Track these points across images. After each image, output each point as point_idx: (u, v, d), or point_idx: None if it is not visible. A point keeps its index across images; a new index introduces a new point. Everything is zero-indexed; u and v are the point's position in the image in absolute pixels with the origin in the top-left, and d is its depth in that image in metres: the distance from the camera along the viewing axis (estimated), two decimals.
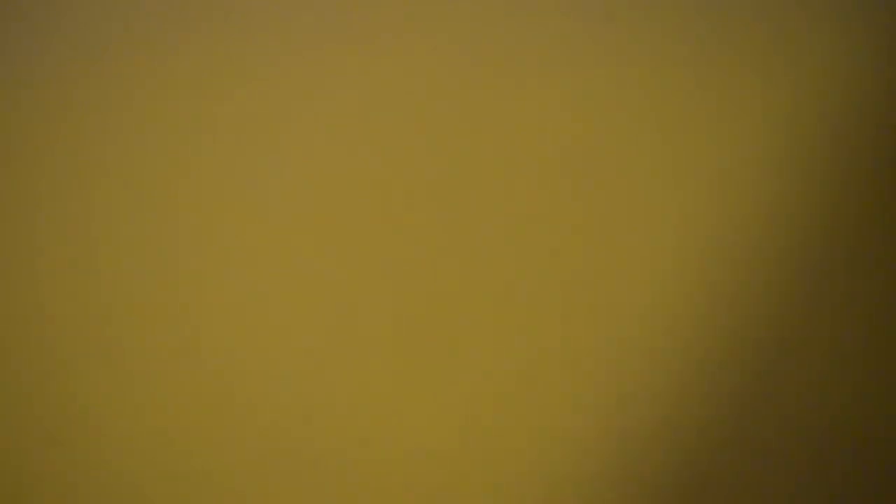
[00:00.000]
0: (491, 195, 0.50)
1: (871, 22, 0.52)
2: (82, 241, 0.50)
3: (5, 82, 0.50)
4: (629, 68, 0.51)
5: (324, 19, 0.51)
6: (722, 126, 0.51)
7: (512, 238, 0.50)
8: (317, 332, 0.49)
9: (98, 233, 0.50)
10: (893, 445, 0.49)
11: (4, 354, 0.49)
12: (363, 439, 0.49)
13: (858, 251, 0.51)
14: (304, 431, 0.49)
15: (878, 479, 0.49)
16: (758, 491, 0.49)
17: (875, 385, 0.50)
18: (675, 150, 0.51)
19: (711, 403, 0.49)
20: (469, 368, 0.49)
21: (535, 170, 0.50)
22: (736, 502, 0.49)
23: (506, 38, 0.51)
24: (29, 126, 0.50)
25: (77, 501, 0.48)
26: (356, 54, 0.51)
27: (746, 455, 0.49)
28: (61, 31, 0.51)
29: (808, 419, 0.50)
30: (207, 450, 0.49)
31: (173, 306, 0.49)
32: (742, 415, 0.50)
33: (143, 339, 0.49)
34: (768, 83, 0.51)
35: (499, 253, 0.50)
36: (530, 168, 0.50)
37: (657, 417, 0.49)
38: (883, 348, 0.50)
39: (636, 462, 0.49)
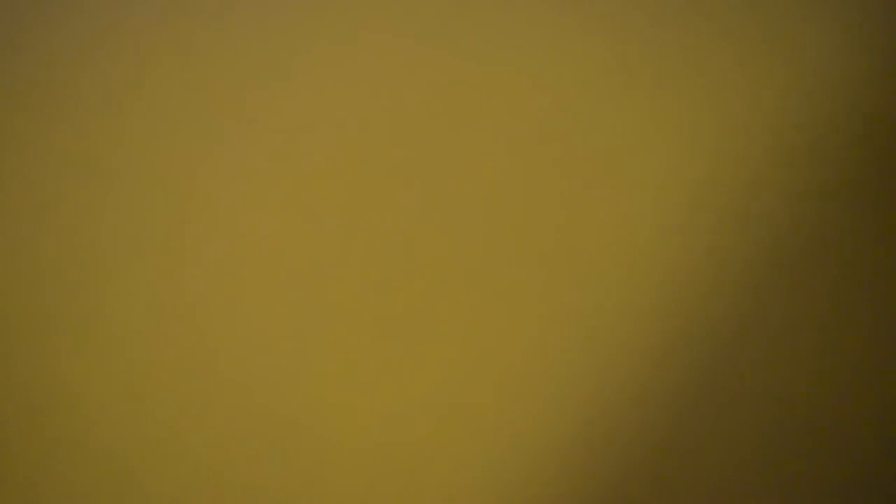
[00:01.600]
0: (479, 191, 0.50)
1: (866, 18, 0.52)
2: (83, 240, 0.50)
3: (10, 82, 0.50)
4: (629, 71, 0.51)
5: (324, 20, 0.51)
6: (711, 121, 0.51)
7: (496, 235, 0.50)
8: (317, 332, 0.49)
9: (99, 233, 0.50)
10: (890, 444, 0.50)
11: (8, 354, 0.49)
12: (362, 439, 0.49)
13: (850, 244, 0.51)
14: (304, 430, 0.49)
15: (876, 479, 0.49)
16: (748, 490, 0.49)
17: (871, 380, 0.50)
18: (665, 152, 0.51)
19: (697, 399, 0.49)
20: (457, 364, 0.49)
21: (523, 168, 0.50)
22: (721, 501, 0.49)
23: (499, 36, 0.51)
24: (31, 126, 0.50)
25: (80, 500, 0.48)
26: (355, 54, 0.51)
27: (735, 454, 0.49)
28: (64, 32, 0.51)
29: (799, 416, 0.50)
30: (205, 447, 0.49)
31: (174, 306, 0.49)
32: (729, 413, 0.50)
33: (144, 338, 0.49)
34: (758, 75, 0.51)
35: (482, 250, 0.50)
36: (518, 167, 0.50)
37: (642, 414, 0.49)
38: (879, 344, 0.50)
39: (618, 460, 0.49)
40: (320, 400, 0.49)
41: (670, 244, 0.50)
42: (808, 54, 0.51)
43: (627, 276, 0.50)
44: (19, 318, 0.49)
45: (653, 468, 0.49)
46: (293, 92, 0.51)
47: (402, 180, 0.50)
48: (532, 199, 0.50)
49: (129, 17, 0.51)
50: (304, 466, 0.49)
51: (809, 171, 0.51)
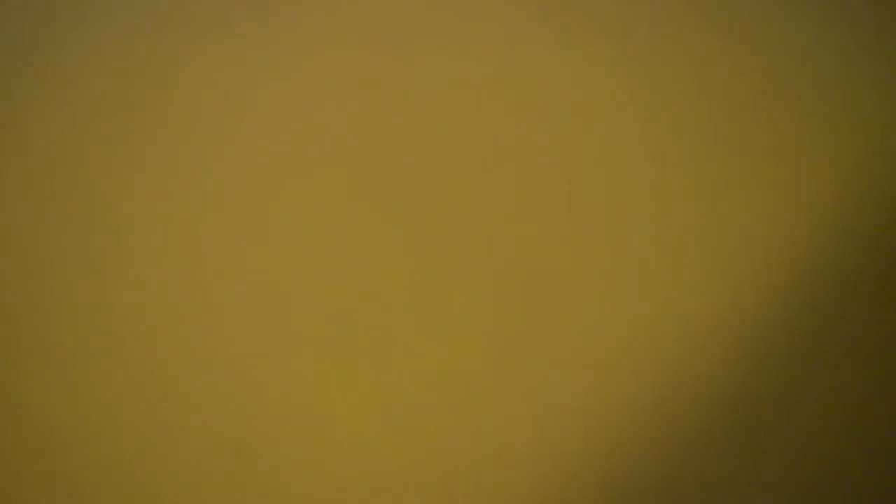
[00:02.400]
0: (479, 191, 0.50)
1: (866, 18, 0.52)
2: (85, 241, 0.50)
3: (15, 82, 0.51)
4: (628, 72, 0.51)
5: (323, 21, 0.51)
6: (711, 121, 0.51)
7: (495, 235, 0.50)
8: (316, 331, 0.49)
9: (101, 233, 0.50)
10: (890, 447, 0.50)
11: (15, 352, 0.49)
12: (364, 438, 0.49)
13: (853, 243, 0.51)
14: (305, 428, 0.49)
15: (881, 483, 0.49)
16: (756, 494, 0.49)
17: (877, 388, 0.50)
18: (664, 152, 0.51)
19: (708, 404, 0.49)
20: (457, 362, 0.50)
21: (523, 169, 0.50)
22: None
23: (498, 37, 0.51)
24: (32, 126, 0.50)
25: (86, 498, 0.48)
26: (353, 55, 0.51)
27: (742, 459, 0.49)
28: (67, 33, 0.51)
29: (809, 423, 0.50)
30: (208, 443, 0.49)
31: (175, 305, 0.49)
32: (738, 418, 0.50)
33: (147, 336, 0.49)
34: (758, 75, 0.51)
35: (481, 249, 0.50)
36: (517, 167, 0.50)
37: (647, 421, 0.49)
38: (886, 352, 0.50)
39: (616, 467, 0.49)
40: (321, 398, 0.49)
41: (670, 244, 0.50)
42: (809, 54, 0.51)
43: (627, 275, 0.50)
44: (28, 317, 0.49)
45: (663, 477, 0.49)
46: (294, 94, 0.51)
47: (403, 181, 0.50)
48: (531, 199, 0.50)
49: (131, 19, 0.51)
50: (305, 463, 0.49)
51: (809, 171, 0.51)
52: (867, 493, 0.49)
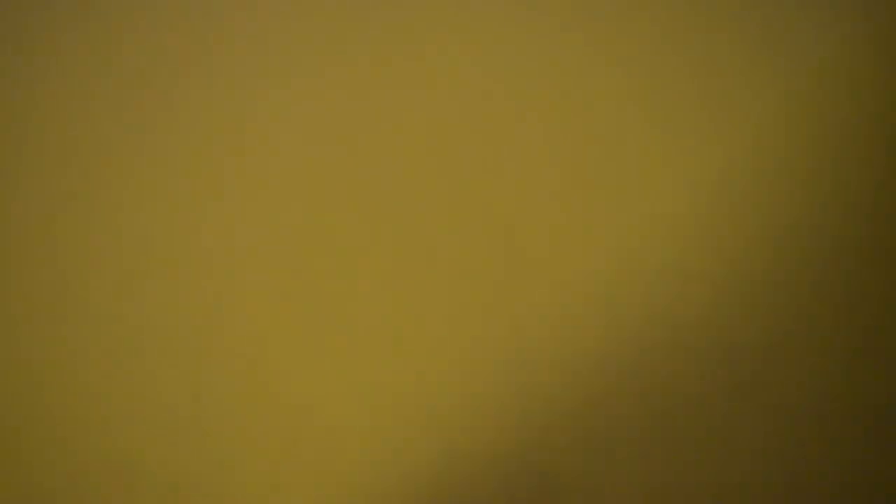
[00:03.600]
0: (479, 191, 0.50)
1: (866, 17, 0.52)
2: (90, 242, 0.50)
3: (20, 82, 0.51)
4: (628, 72, 0.51)
5: (323, 21, 0.51)
6: (711, 121, 0.51)
7: (495, 235, 0.50)
8: (316, 331, 0.49)
9: (106, 234, 0.50)
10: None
11: (25, 354, 0.49)
12: (366, 435, 0.49)
13: (851, 245, 0.51)
14: (307, 426, 0.49)
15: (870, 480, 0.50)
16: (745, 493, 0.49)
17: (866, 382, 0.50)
18: (664, 152, 0.51)
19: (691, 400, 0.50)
20: (458, 360, 0.50)
21: (522, 169, 0.50)
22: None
23: (497, 37, 0.51)
24: (38, 126, 0.50)
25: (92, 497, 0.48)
26: (355, 56, 0.51)
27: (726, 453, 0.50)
28: (68, 35, 0.51)
29: (792, 416, 0.50)
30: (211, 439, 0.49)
31: (177, 304, 0.49)
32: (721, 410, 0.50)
33: (147, 335, 0.49)
34: (758, 75, 0.51)
35: (481, 249, 0.50)
36: (517, 167, 0.50)
37: (635, 412, 0.49)
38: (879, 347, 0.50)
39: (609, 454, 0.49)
40: (322, 396, 0.49)
41: (668, 244, 0.50)
42: (809, 54, 0.51)
43: (626, 275, 0.50)
44: (33, 317, 0.49)
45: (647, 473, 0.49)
46: (295, 96, 0.51)
47: (404, 181, 0.50)
48: (531, 199, 0.50)
49: (130, 18, 0.51)
50: (306, 456, 0.49)
51: (810, 171, 0.51)
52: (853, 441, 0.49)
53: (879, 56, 0.51)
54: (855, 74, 0.51)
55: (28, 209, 0.50)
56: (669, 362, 0.49)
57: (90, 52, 0.50)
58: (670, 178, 0.50)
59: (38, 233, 0.50)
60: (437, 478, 0.49)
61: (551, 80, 0.51)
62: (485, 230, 0.50)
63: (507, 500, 0.48)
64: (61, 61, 0.50)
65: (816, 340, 0.50)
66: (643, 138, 0.51)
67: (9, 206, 0.50)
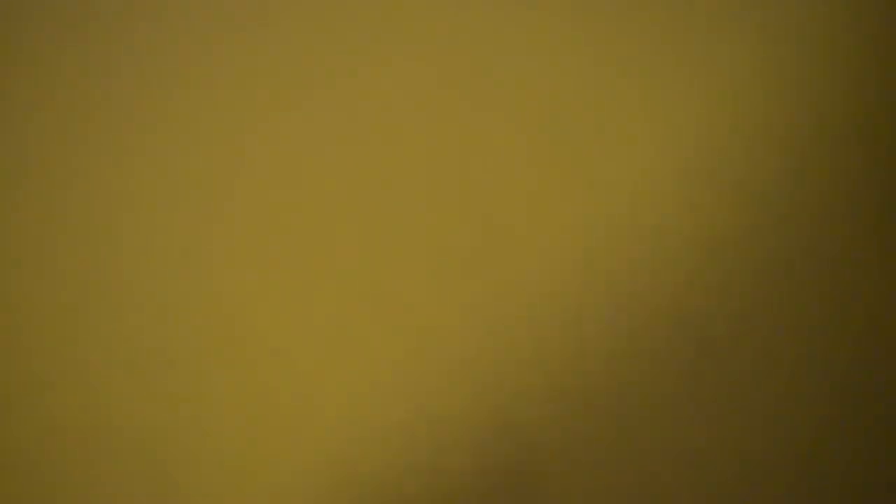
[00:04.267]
0: (478, 191, 0.50)
1: (866, 17, 0.52)
2: (94, 244, 0.50)
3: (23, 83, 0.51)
4: (626, 72, 0.51)
5: (323, 23, 0.51)
6: (710, 121, 0.51)
7: (494, 235, 0.50)
8: (316, 331, 0.49)
9: (108, 235, 0.50)
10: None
11: (25, 356, 0.49)
12: (369, 436, 0.49)
13: (847, 242, 0.51)
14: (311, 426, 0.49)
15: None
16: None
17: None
18: (664, 152, 0.51)
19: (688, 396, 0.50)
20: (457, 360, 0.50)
21: (521, 169, 0.50)
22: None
23: (496, 37, 0.51)
24: (36, 127, 0.50)
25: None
26: (355, 56, 0.51)
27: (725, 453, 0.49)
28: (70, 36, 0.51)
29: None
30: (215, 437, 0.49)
31: (177, 305, 0.49)
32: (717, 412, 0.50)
33: (147, 335, 0.49)
34: (758, 75, 0.51)
35: (481, 249, 0.50)
36: (516, 167, 0.50)
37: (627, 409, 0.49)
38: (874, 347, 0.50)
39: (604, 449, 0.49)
40: (325, 395, 0.49)
41: (667, 244, 0.50)
42: (806, 53, 0.51)
43: (625, 274, 0.50)
44: (36, 318, 0.49)
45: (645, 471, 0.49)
46: (293, 94, 0.51)
47: (404, 182, 0.50)
48: (530, 199, 0.50)
49: (129, 16, 0.51)
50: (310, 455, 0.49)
51: (809, 171, 0.51)
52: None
53: (880, 55, 0.51)
54: (856, 75, 0.51)
55: (28, 210, 0.50)
56: (653, 357, 0.50)
57: (93, 53, 0.50)
58: (672, 179, 0.50)
59: (37, 233, 0.50)
60: (416, 477, 0.49)
61: (554, 78, 0.51)
62: (486, 230, 0.50)
63: (487, 500, 0.48)
64: (62, 62, 0.50)
65: (796, 319, 0.50)
66: (643, 137, 0.51)
67: (9, 207, 0.50)
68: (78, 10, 0.50)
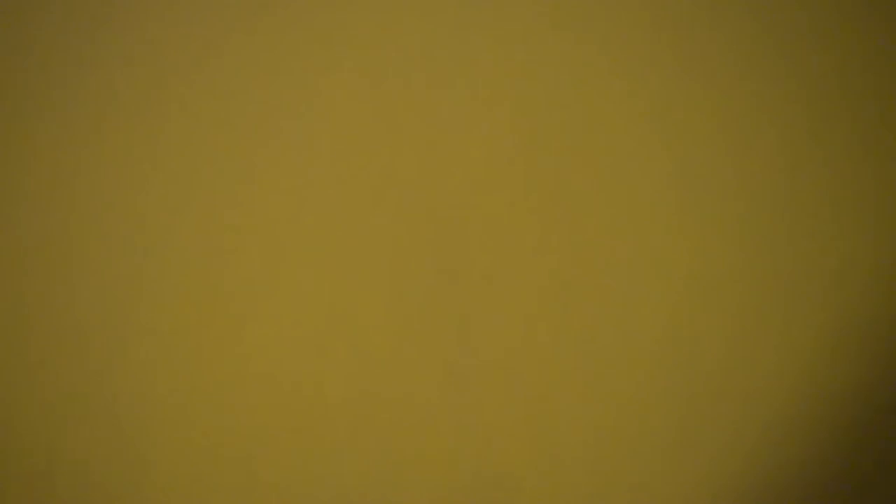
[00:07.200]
0: (479, 191, 0.50)
1: (866, 17, 0.52)
2: (99, 243, 0.50)
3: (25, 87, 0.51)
4: (627, 73, 0.51)
5: (323, 22, 0.51)
6: (709, 121, 0.51)
7: (494, 235, 0.50)
8: (317, 330, 0.49)
9: (114, 236, 0.50)
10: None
11: (29, 355, 0.49)
12: (374, 436, 0.49)
13: (848, 242, 0.51)
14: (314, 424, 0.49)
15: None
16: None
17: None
18: (663, 152, 0.51)
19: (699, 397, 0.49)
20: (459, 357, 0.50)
21: (521, 169, 0.50)
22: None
23: (496, 37, 0.51)
24: (30, 126, 0.50)
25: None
26: (351, 55, 0.51)
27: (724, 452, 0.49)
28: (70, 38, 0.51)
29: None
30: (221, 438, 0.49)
31: (178, 305, 0.49)
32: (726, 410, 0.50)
33: (147, 335, 0.49)
34: (758, 74, 0.51)
35: (480, 248, 0.50)
36: (516, 167, 0.50)
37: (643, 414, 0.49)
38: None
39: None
40: (328, 395, 0.49)
41: (667, 244, 0.50)
42: (809, 55, 0.51)
43: (624, 274, 0.50)
44: (38, 317, 0.49)
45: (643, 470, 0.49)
46: (293, 94, 0.51)
47: (406, 182, 0.50)
48: (530, 199, 0.50)
49: (128, 16, 0.51)
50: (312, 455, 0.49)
51: (808, 171, 0.51)
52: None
53: (880, 55, 0.51)
54: (857, 75, 0.51)
55: (30, 210, 0.50)
56: (673, 357, 0.50)
57: (97, 53, 0.50)
58: (672, 179, 0.50)
59: (38, 233, 0.50)
60: (391, 483, 0.49)
61: (554, 78, 0.51)
62: (486, 230, 0.50)
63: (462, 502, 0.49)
64: (63, 62, 0.50)
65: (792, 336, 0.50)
66: (643, 137, 0.50)
67: (9, 206, 0.50)
68: (84, 13, 0.50)
